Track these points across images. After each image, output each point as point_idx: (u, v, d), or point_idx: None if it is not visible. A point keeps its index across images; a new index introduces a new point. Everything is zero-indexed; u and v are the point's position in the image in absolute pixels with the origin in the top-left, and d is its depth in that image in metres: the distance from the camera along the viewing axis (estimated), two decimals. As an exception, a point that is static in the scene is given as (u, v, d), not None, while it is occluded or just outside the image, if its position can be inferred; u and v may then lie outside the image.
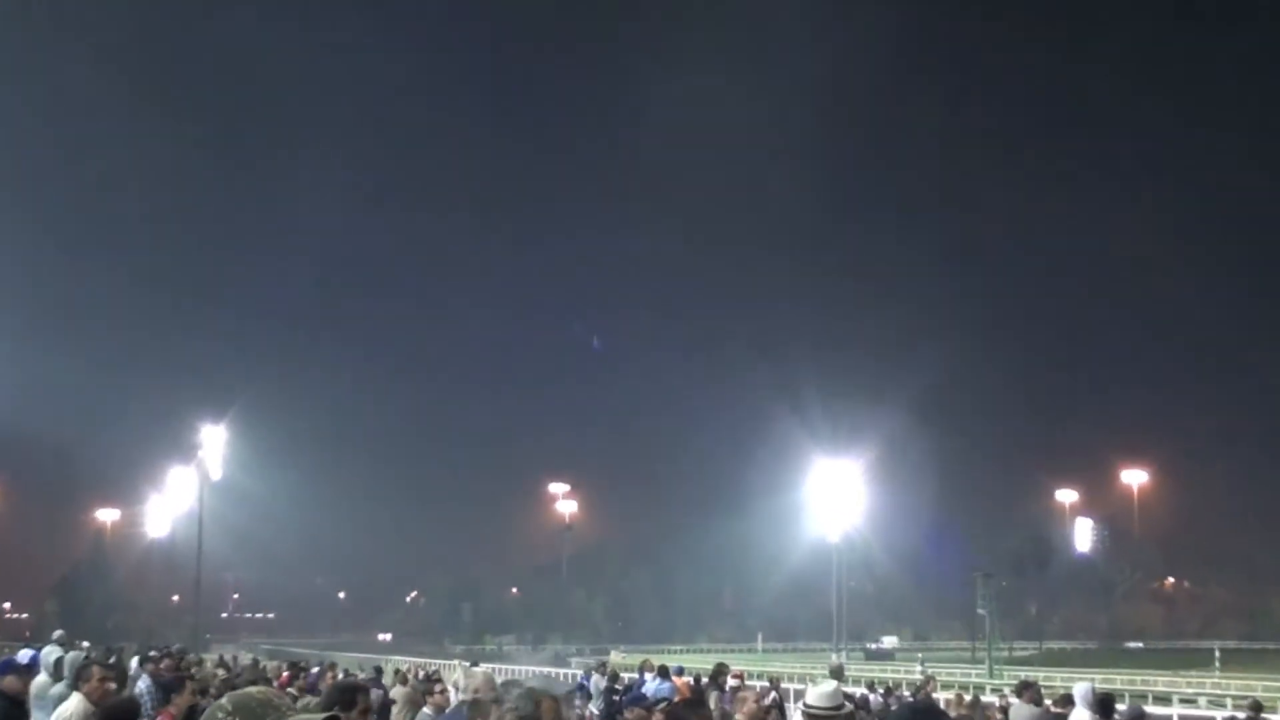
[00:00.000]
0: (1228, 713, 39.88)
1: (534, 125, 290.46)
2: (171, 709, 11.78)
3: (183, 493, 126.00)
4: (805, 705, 7.94)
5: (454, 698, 17.44)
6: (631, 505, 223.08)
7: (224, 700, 3.43)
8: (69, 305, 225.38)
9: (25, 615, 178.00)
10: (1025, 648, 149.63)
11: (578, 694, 29.84)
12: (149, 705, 13.53)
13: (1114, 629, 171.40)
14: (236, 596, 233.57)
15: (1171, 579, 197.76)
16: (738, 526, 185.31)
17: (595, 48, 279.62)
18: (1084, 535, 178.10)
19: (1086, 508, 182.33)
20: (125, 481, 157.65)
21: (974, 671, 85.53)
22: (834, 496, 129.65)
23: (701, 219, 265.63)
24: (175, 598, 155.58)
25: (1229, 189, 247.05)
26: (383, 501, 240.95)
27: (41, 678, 13.26)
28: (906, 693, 32.00)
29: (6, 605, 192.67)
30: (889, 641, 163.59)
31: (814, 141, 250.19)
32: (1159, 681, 73.09)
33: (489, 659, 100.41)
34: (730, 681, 22.23)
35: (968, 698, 24.73)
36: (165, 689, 12.86)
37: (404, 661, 73.06)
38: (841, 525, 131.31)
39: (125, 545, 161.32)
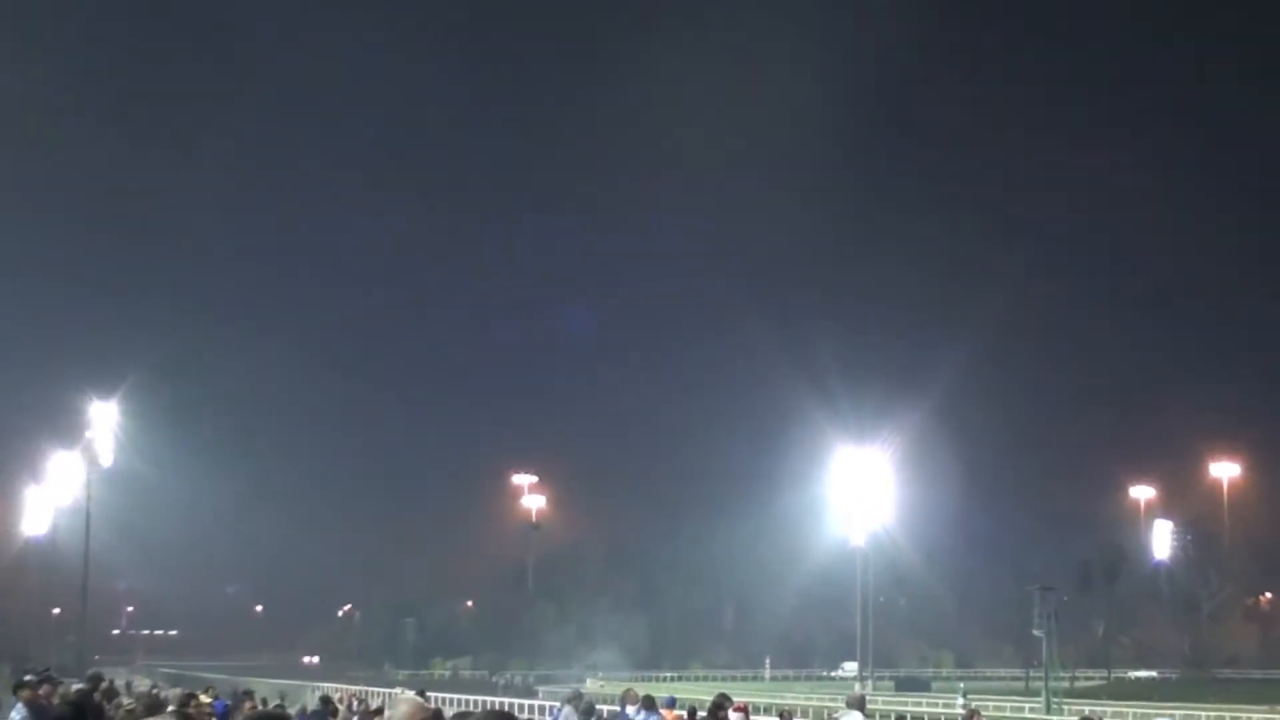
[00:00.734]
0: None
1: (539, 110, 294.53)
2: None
3: (66, 483, 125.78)
4: None
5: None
6: (612, 502, 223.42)
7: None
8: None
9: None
10: (1091, 677, 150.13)
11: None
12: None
13: (1199, 654, 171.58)
14: (130, 609, 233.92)
15: (1269, 594, 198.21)
16: (742, 529, 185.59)
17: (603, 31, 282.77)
18: (1163, 540, 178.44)
19: (1166, 508, 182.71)
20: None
21: (1028, 705, 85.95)
22: (859, 492, 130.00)
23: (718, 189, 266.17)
24: (56, 610, 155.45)
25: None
26: (309, 497, 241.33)
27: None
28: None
29: None
30: (850, 668, 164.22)
31: (842, 111, 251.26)
32: (1254, 719, 73.52)
33: (438, 687, 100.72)
34: (733, 716, 22.30)
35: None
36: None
37: (335, 690, 73.13)
38: (868, 526, 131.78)
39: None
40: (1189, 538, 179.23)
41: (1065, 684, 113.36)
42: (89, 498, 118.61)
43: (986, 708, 67.87)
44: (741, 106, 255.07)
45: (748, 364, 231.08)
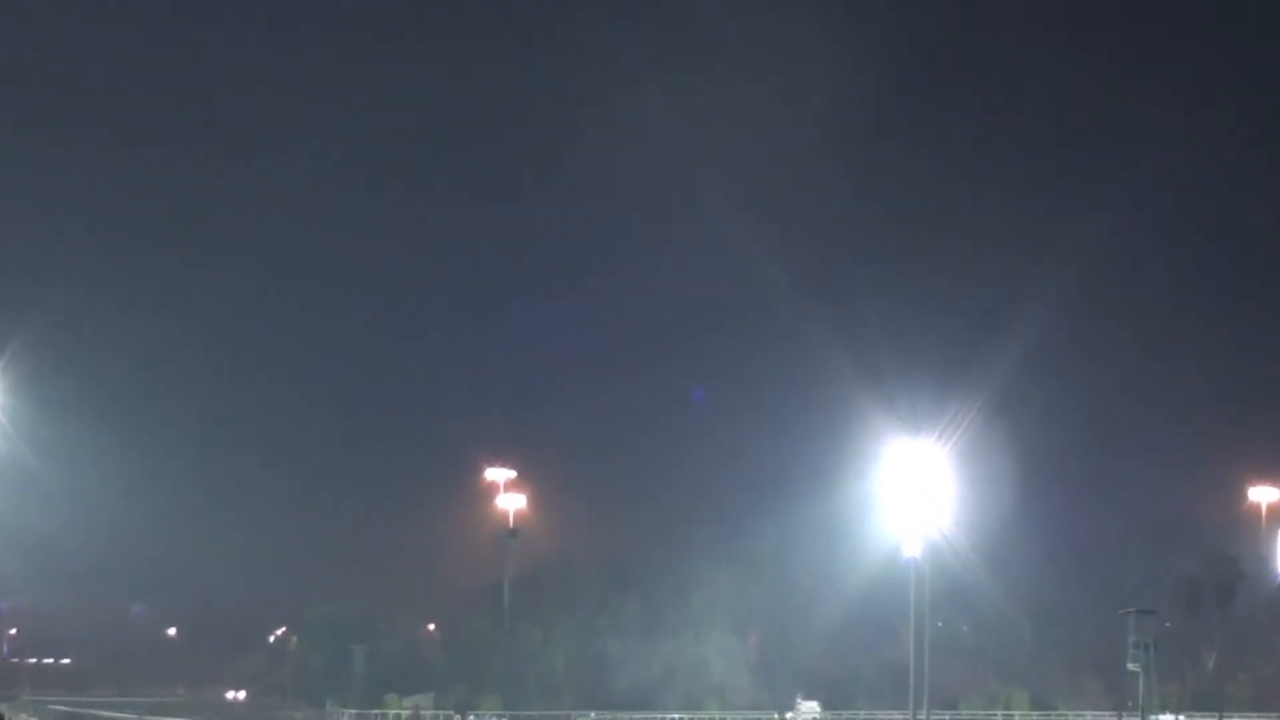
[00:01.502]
0: None
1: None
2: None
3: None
4: None
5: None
6: (610, 504, 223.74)
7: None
8: None
9: None
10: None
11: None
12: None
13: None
14: (13, 632, 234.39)
15: None
16: (768, 537, 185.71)
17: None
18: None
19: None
20: None
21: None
22: (913, 493, 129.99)
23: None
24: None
25: None
26: (236, 496, 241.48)
27: None
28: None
29: None
30: (807, 708, 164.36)
31: (897, 77, 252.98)
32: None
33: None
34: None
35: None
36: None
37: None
38: (924, 533, 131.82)
39: None
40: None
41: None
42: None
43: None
44: (788, 69, 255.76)
45: (780, 345, 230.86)
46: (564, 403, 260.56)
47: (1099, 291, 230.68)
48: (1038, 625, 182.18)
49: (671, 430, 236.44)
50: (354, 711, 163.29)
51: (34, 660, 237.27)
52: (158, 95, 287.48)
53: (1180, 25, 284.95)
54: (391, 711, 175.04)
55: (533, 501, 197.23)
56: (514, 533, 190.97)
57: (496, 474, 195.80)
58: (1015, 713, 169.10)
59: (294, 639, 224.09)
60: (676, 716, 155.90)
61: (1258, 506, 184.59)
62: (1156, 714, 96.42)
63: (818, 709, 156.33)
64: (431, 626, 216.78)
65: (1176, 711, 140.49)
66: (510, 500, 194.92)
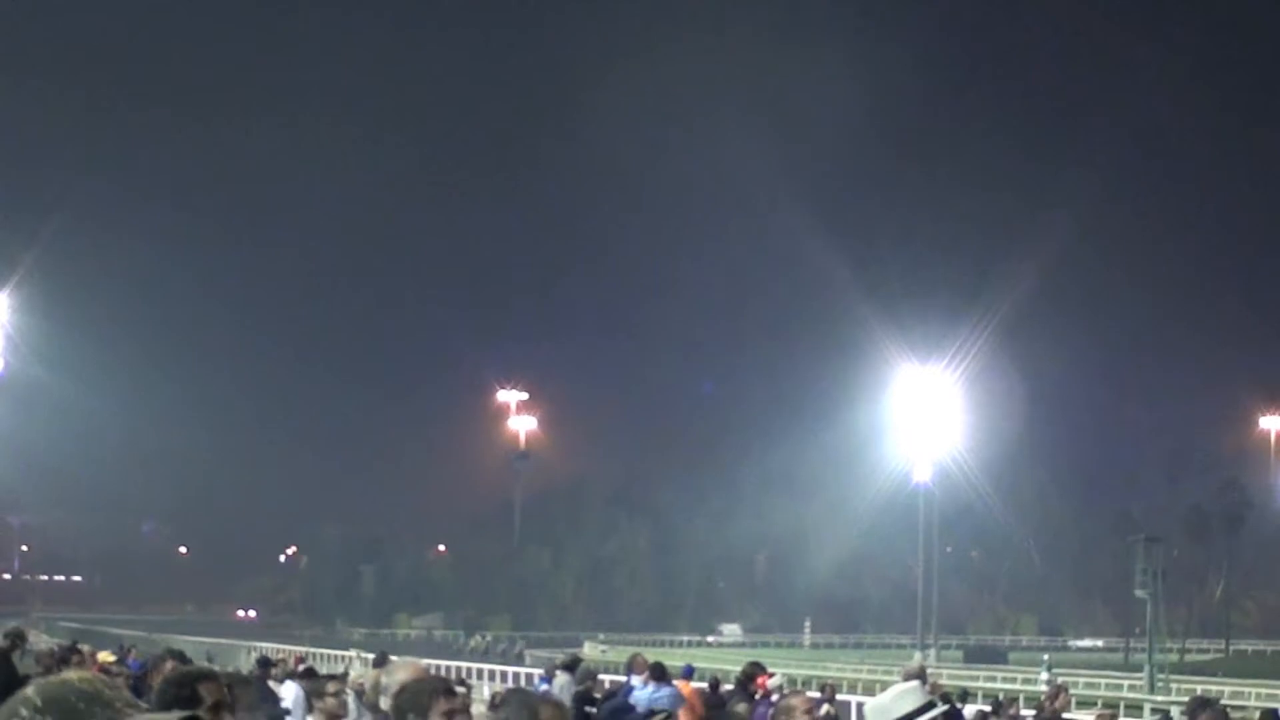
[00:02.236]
0: None
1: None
2: None
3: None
4: None
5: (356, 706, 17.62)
6: (620, 427, 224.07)
7: (29, 691, 3.42)
8: None
9: None
10: (1205, 649, 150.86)
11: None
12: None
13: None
14: (25, 549, 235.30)
15: None
16: (778, 462, 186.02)
17: None
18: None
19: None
20: None
21: (1126, 682, 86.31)
22: (924, 419, 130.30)
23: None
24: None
25: None
26: (245, 416, 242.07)
27: None
28: (1028, 713, 32.36)
29: None
30: (729, 630, 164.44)
31: (907, 22, 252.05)
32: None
33: (403, 649, 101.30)
34: (770, 687, 22.47)
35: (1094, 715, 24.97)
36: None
37: (276, 650, 73.68)
38: (934, 459, 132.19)
39: None
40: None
41: (1173, 657, 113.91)
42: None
43: (1076, 685, 68.22)
44: (802, 15, 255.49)
45: (789, 270, 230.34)
46: (576, 325, 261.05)
47: (1110, 220, 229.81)
48: (1046, 551, 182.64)
49: (682, 355, 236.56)
50: (363, 631, 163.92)
51: (45, 577, 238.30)
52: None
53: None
54: (400, 631, 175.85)
55: (543, 424, 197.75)
56: (525, 455, 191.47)
57: (508, 396, 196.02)
58: (1023, 637, 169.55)
59: (304, 559, 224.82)
60: (686, 639, 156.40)
61: (1267, 435, 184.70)
62: (1163, 641, 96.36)
63: (739, 631, 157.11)
64: (441, 547, 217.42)
65: (1183, 639, 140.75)
66: (521, 422, 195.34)
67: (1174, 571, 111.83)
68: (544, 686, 30.30)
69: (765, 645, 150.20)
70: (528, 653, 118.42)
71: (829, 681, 35.36)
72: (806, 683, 63.14)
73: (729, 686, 24.79)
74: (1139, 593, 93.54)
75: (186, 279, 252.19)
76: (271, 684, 23.13)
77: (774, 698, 21.45)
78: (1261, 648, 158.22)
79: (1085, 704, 56.04)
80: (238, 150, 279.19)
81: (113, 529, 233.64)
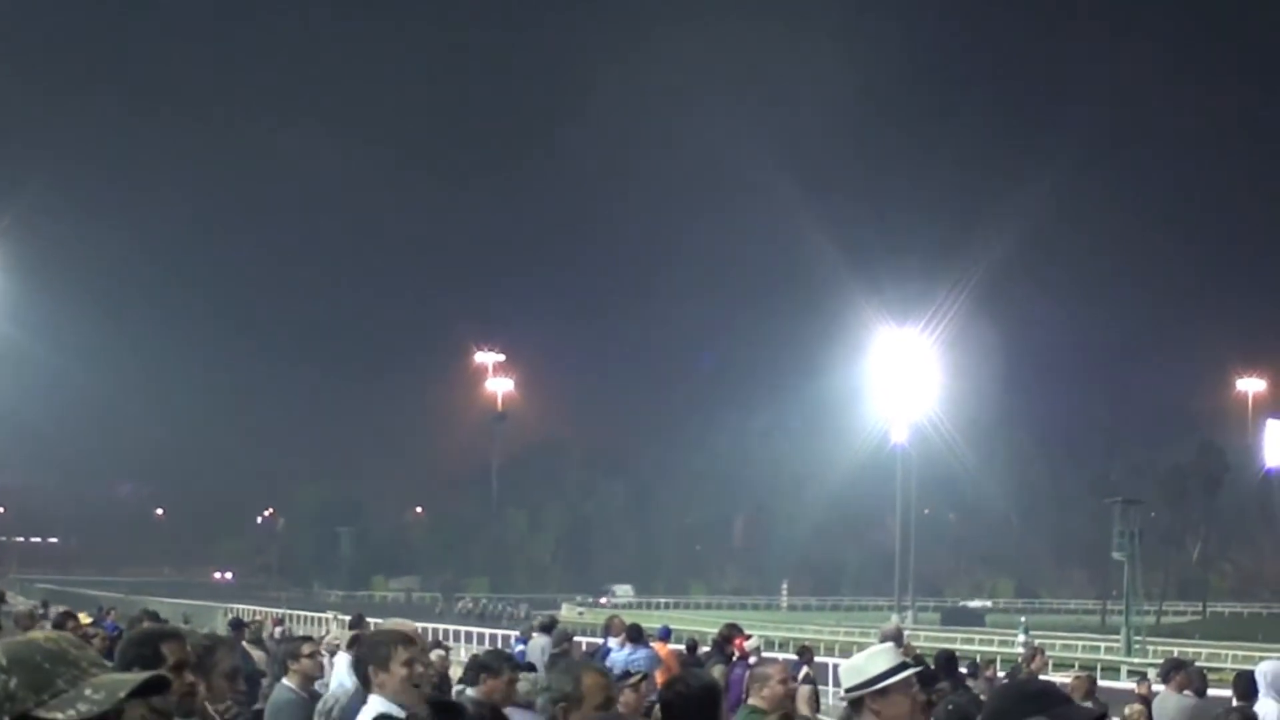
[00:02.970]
0: None
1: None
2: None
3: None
4: (843, 691, 7.99)
5: (332, 665, 17.61)
6: (598, 388, 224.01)
7: (-8, 649, 3.40)
8: None
9: None
10: (1183, 611, 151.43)
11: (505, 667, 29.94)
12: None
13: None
14: (1, 510, 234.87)
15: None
16: (756, 424, 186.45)
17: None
18: (1275, 444, 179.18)
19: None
20: None
21: (1104, 644, 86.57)
22: (901, 381, 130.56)
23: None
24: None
25: None
26: (223, 376, 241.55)
27: None
28: (1002, 673, 32.45)
29: None
30: (622, 590, 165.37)
31: None
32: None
33: (380, 611, 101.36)
34: (748, 649, 22.50)
35: (1070, 680, 25.00)
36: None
37: (251, 612, 73.79)
38: (911, 421, 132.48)
39: None
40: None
41: (1150, 619, 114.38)
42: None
43: (1053, 647, 68.44)
44: None
45: (766, 232, 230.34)
46: (553, 287, 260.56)
47: (1088, 184, 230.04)
48: (1023, 514, 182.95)
49: (660, 316, 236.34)
50: (340, 593, 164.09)
51: (20, 539, 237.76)
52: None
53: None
54: (378, 594, 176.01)
55: (521, 385, 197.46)
56: (502, 416, 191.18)
57: (485, 357, 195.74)
58: (1000, 600, 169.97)
59: (281, 521, 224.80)
60: (663, 600, 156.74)
61: (1244, 397, 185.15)
62: (1140, 603, 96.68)
63: (630, 591, 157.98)
64: (419, 510, 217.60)
65: (1160, 601, 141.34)
66: (498, 383, 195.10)
67: (1151, 534, 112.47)
68: (520, 648, 30.33)
69: (743, 607, 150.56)
70: (505, 615, 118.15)
71: (806, 644, 35.34)
72: (784, 645, 63.35)
73: (706, 648, 24.81)
74: (1116, 555, 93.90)
75: (164, 243, 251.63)
76: (246, 645, 23.16)
77: (751, 660, 21.49)
78: (1238, 610, 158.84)
79: (1062, 666, 56.22)
80: (217, 119, 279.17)
81: (89, 491, 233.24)
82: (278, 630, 38.13)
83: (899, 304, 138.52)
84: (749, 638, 24.14)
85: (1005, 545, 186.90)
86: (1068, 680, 23.64)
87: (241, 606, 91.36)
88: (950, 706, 10.69)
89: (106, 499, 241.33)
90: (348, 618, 43.39)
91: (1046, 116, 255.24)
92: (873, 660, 7.74)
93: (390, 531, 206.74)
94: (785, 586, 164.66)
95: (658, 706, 9.35)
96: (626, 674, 11.34)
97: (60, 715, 3.30)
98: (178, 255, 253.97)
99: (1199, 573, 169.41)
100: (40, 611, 34.86)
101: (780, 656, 30.27)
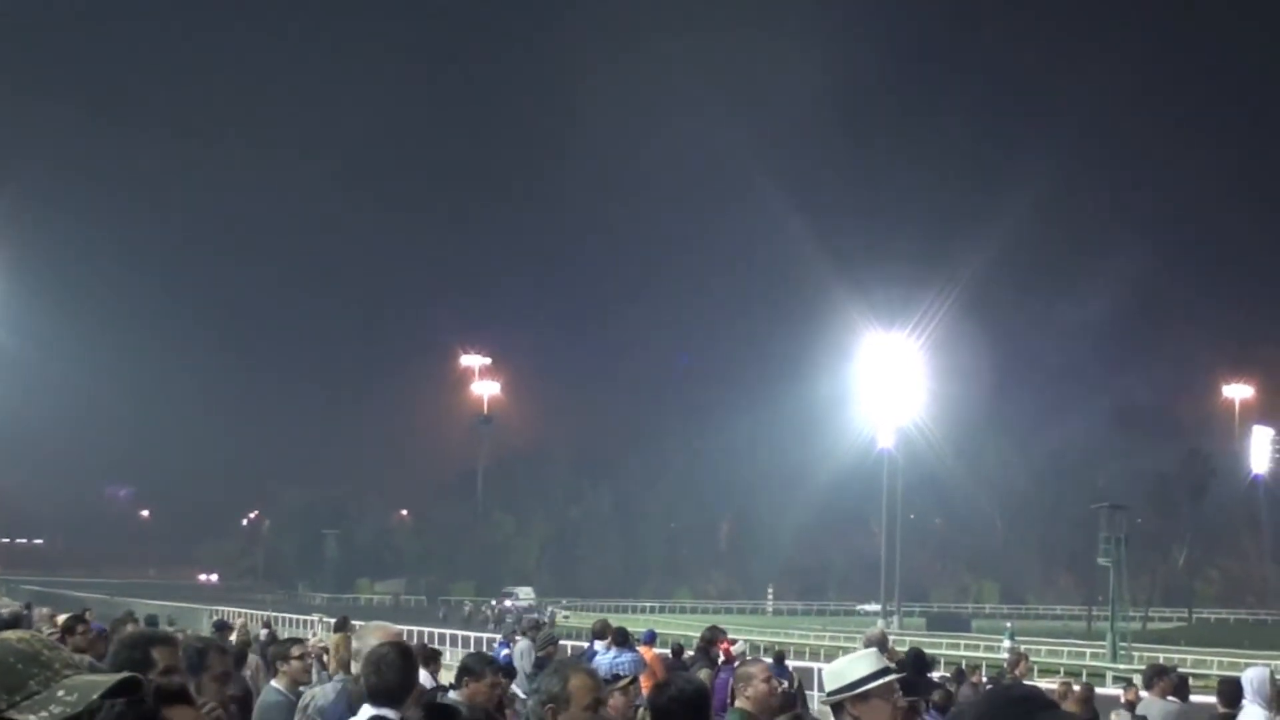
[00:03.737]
0: None
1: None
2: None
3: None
4: (825, 695, 8.02)
5: (320, 672, 17.59)
6: (584, 392, 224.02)
7: (-33, 650, 3.40)
8: None
9: None
10: (1168, 617, 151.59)
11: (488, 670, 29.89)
12: None
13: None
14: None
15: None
16: (742, 429, 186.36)
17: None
18: (1262, 451, 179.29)
19: (1267, 411, 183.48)
20: None
21: (1089, 650, 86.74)
22: (887, 386, 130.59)
23: None
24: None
25: None
26: (209, 378, 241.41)
27: None
28: (986, 679, 32.49)
29: None
30: (524, 593, 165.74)
31: None
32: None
33: (365, 615, 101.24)
34: (735, 654, 22.53)
35: (1078, 688, 25.01)
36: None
37: (237, 614, 73.67)
38: (897, 424, 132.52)
39: None
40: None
41: (1136, 625, 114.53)
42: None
43: (1038, 653, 68.52)
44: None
45: (754, 238, 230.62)
46: (540, 291, 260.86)
47: (1075, 186, 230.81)
48: (1010, 518, 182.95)
49: (647, 321, 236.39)
50: (326, 596, 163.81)
51: (5, 540, 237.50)
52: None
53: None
54: (363, 596, 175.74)
55: (507, 389, 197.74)
56: (488, 420, 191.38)
57: (471, 360, 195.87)
58: (985, 605, 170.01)
59: (267, 523, 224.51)
60: (649, 605, 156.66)
61: (1231, 404, 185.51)
62: (1125, 609, 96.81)
63: (532, 593, 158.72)
64: (404, 513, 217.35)
65: (1146, 607, 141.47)
66: (485, 387, 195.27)
67: (1137, 540, 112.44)
68: (504, 651, 30.29)
69: (729, 612, 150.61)
70: (492, 620, 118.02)
71: (787, 648, 35.42)
72: (763, 651, 63.41)
73: (691, 652, 24.84)
74: (1102, 561, 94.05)
75: (150, 246, 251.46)
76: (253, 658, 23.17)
77: (736, 664, 21.52)
78: (1224, 616, 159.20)
79: (1048, 671, 56.31)
80: (199, 112, 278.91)
81: (75, 492, 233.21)
82: (264, 633, 38.11)
83: (885, 308, 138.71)
84: (735, 642, 24.18)
85: (991, 550, 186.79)
86: (1054, 686, 23.72)
87: (226, 608, 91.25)
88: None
89: (92, 501, 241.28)
90: (333, 620, 43.38)
91: (1032, 123, 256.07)
92: (854, 665, 7.78)
93: (376, 534, 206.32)
94: (771, 591, 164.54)
95: (644, 710, 9.40)
96: (615, 677, 11.39)
97: (33, 717, 3.31)
98: (164, 258, 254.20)
99: (1185, 579, 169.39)
100: (25, 613, 34.86)
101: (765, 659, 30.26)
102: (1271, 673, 15.10)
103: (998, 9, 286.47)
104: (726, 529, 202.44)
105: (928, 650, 65.00)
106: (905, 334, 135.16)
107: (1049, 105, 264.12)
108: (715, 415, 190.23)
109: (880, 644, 20.47)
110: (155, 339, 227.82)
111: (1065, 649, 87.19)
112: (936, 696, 17.15)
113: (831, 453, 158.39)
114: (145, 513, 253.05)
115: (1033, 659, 33.27)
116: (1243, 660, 59.48)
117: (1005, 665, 30.03)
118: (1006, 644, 71.36)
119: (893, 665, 8.39)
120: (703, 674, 19.56)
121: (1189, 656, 73.28)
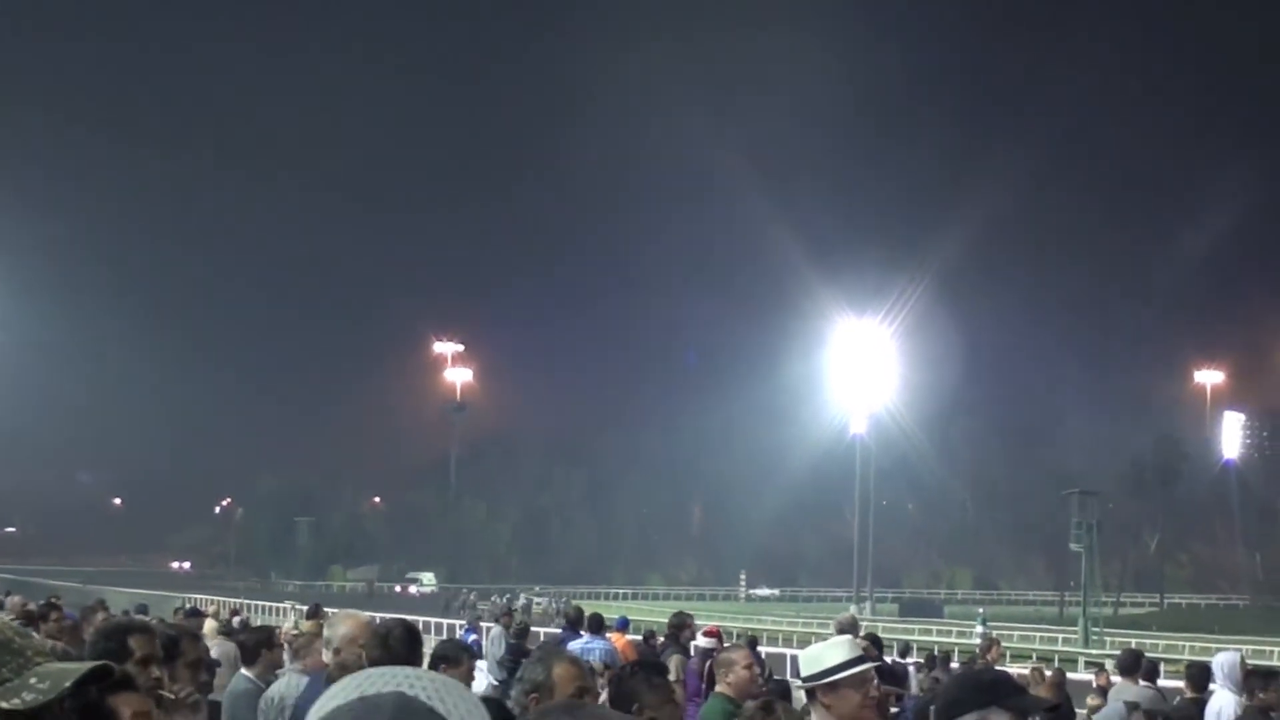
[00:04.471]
0: None
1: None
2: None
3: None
4: (801, 680, 8.00)
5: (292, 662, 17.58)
6: (557, 379, 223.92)
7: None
8: None
9: None
10: (1140, 602, 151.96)
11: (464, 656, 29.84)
12: None
13: (1274, 576, 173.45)
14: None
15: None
16: (714, 414, 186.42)
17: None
18: (1233, 436, 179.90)
19: (1237, 396, 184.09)
20: None
21: (1061, 636, 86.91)
22: (859, 372, 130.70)
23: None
24: None
25: None
26: (181, 365, 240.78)
27: None
28: (957, 664, 32.55)
29: None
30: (428, 579, 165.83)
31: None
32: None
33: (338, 602, 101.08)
34: (702, 640, 22.52)
35: (1050, 673, 25.04)
36: None
37: (208, 602, 73.55)
38: (869, 409, 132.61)
39: None
40: (1265, 434, 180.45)
41: (1108, 610, 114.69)
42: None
43: (1010, 638, 68.61)
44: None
45: (726, 225, 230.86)
46: (512, 277, 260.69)
47: (1047, 173, 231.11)
48: (982, 505, 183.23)
49: (620, 308, 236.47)
50: (298, 583, 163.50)
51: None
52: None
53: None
54: (336, 583, 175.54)
55: (480, 375, 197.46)
56: (460, 406, 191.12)
57: (444, 347, 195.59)
58: (958, 591, 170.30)
59: (239, 510, 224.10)
60: (621, 591, 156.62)
61: (1202, 389, 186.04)
62: (1097, 594, 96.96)
63: (433, 579, 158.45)
64: (377, 499, 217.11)
65: (1118, 592, 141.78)
66: (457, 374, 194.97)
67: (1109, 525, 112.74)
68: (472, 638, 30.28)
69: (701, 598, 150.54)
70: (465, 607, 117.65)
71: (758, 634, 35.42)
72: (735, 636, 63.35)
73: (662, 639, 24.83)
74: (1074, 546, 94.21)
75: (123, 238, 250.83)
76: (221, 638, 23.11)
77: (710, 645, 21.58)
78: (1196, 601, 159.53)
79: (1020, 657, 56.41)
80: (172, 107, 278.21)
81: (47, 480, 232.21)
82: (235, 620, 38.04)
83: (858, 295, 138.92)
84: (714, 631, 24.15)
85: (963, 536, 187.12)
86: (1025, 672, 23.75)
87: (199, 596, 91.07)
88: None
89: (64, 488, 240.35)
90: (305, 607, 43.32)
91: (1007, 112, 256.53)
92: (830, 651, 7.77)
93: (348, 521, 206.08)
94: (743, 577, 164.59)
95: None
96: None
97: (4, 704, 3.31)
98: (136, 250, 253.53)
99: (1156, 564, 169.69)
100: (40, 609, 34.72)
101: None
102: (1242, 658, 15.16)
103: (973, 6, 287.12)
104: (699, 515, 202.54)
105: (900, 637, 65.17)
106: (877, 320, 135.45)
107: (1025, 96, 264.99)
108: (688, 401, 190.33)
109: (851, 628, 20.51)
110: (127, 327, 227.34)
111: (1037, 634, 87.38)
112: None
113: (804, 439, 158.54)
114: (117, 500, 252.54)
115: (1005, 644, 33.28)
116: (1214, 645, 59.67)
117: (977, 651, 30.02)
118: (978, 630, 71.42)
119: (865, 652, 8.36)
120: (674, 660, 19.56)
121: (1161, 641, 73.46)
